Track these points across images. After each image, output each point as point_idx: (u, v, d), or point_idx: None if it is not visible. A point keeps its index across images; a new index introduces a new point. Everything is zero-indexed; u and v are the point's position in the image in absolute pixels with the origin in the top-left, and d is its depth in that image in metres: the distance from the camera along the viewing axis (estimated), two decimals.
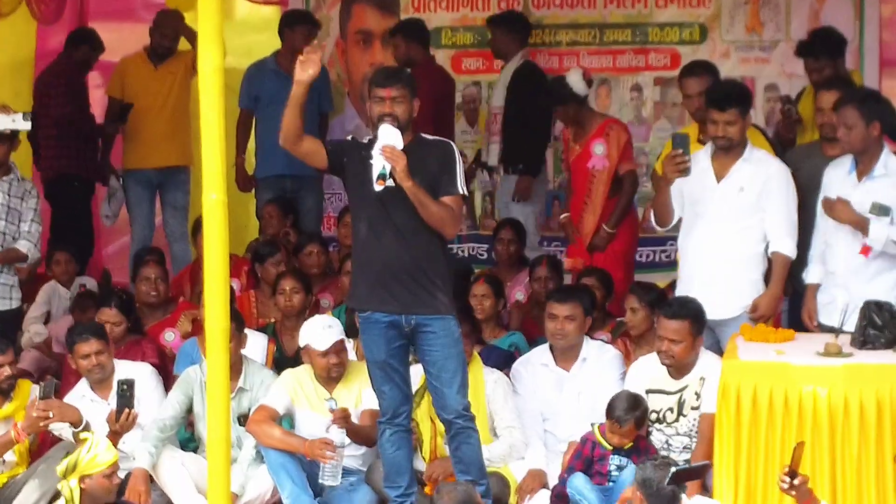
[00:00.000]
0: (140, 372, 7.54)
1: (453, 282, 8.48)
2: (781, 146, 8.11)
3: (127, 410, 7.14)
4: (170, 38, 10.23)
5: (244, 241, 10.31)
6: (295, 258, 9.25)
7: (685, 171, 7.11)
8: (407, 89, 6.57)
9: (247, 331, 8.03)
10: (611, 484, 6.83)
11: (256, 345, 8.02)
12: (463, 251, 10.49)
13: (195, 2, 5.95)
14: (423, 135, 6.74)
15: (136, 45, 10.47)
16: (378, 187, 6.39)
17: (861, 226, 6.96)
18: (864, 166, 7.08)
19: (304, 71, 6.42)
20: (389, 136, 6.42)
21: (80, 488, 6.22)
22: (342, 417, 6.96)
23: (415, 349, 6.65)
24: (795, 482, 5.64)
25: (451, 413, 6.58)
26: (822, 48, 8.41)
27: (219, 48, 5.86)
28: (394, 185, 6.39)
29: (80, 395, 7.51)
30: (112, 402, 7.37)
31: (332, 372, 7.22)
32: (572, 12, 10.29)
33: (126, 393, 7.16)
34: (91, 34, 10.51)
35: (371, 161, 6.40)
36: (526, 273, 9.12)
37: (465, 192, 6.69)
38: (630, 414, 6.83)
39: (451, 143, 6.78)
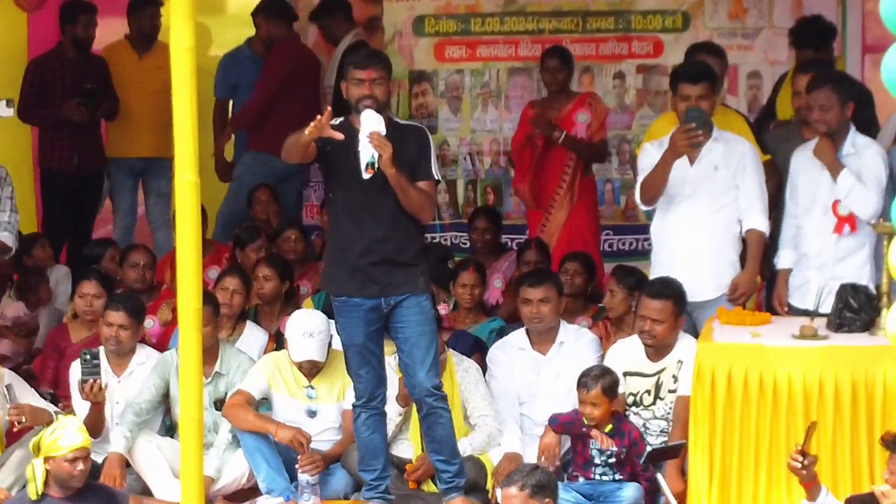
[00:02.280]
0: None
1: (435, 267, 8.56)
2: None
3: (91, 380, 7.13)
4: (148, 21, 10.18)
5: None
6: (273, 244, 9.25)
7: (699, 145, 7.10)
8: (385, 71, 6.56)
9: (248, 323, 8.04)
10: (595, 478, 6.81)
11: (256, 339, 8.02)
12: (445, 239, 10.46)
13: None
14: (396, 119, 6.74)
15: (118, 31, 10.43)
16: (367, 175, 6.37)
17: (836, 168, 6.98)
18: (832, 147, 7.10)
19: (315, 132, 6.33)
20: (373, 122, 6.37)
21: (46, 469, 6.17)
22: (311, 464, 6.90)
23: (387, 328, 6.63)
24: (805, 462, 5.66)
25: (422, 392, 6.56)
26: (812, 37, 8.46)
27: (190, 29, 5.85)
28: (378, 171, 6.38)
29: None
30: (123, 379, 7.46)
31: (303, 369, 7.24)
32: (556, 0, 10.28)
33: (91, 363, 7.16)
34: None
35: (358, 149, 6.35)
36: (504, 259, 9.12)
37: (439, 178, 6.69)
38: (595, 379, 6.76)
39: (424, 128, 6.79)
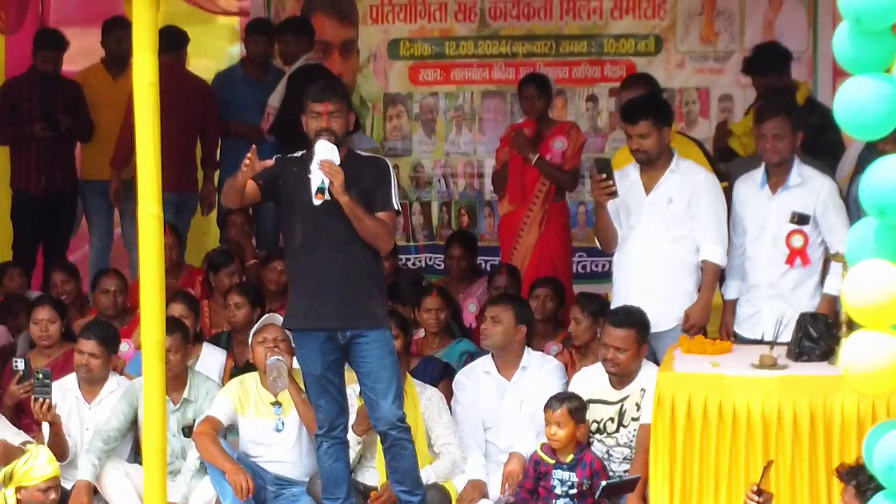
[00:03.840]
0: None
1: (408, 290, 8.60)
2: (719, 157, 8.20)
3: (42, 399, 7.15)
4: (116, 43, 10.25)
5: (204, 248, 10.38)
6: (254, 270, 9.29)
7: (612, 195, 7.21)
8: (343, 103, 6.60)
9: (204, 345, 8.09)
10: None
11: (215, 359, 8.07)
12: (420, 261, 10.55)
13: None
14: (357, 151, 6.82)
15: (99, 50, 10.49)
16: (317, 201, 6.41)
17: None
18: (777, 178, 7.22)
19: (249, 172, 6.42)
20: (327, 152, 6.43)
21: (17, 499, 6.23)
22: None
23: (349, 361, 6.67)
24: (761, 500, 5.70)
25: (386, 424, 6.59)
26: (767, 64, 8.50)
27: (153, 63, 5.95)
28: (330, 198, 6.43)
29: (65, 389, 7.59)
30: (94, 406, 7.51)
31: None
32: (528, 23, 10.36)
33: (42, 381, 7.18)
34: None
35: (309, 176, 6.42)
36: (479, 284, 9.18)
37: (399, 208, 6.72)
38: (561, 401, 6.84)
39: (385, 159, 6.84)
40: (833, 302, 7.15)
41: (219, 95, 10.26)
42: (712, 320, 7.54)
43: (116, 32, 10.24)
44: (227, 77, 10.40)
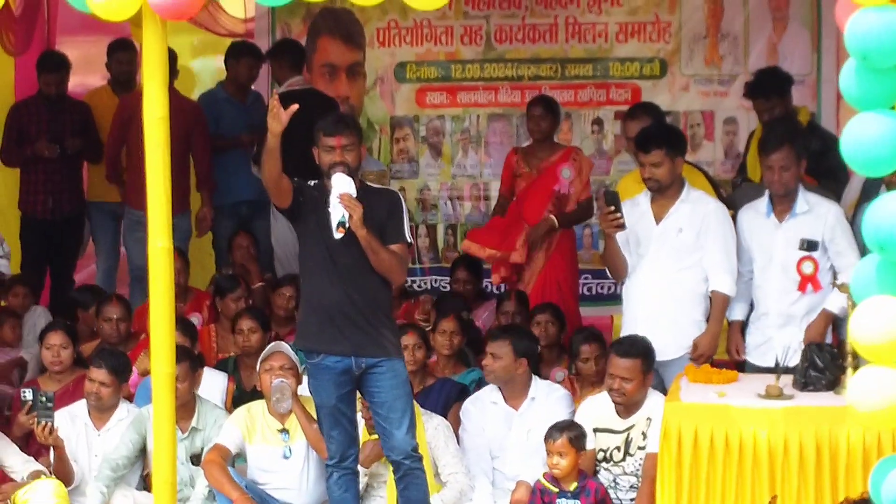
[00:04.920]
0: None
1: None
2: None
3: (44, 423, 7.18)
4: (116, 65, 10.31)
5: (208, 270, 10.41)
6: (263, 293, 9.33)
7: (620, 227, 7.27)
8: (355, 136, 6.64)
9: (205, 370, 8.12)
10: None
11: (215, 383, 8.10)
12: (426, 283, 10.58)
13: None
14: (368, 183, 6.85)
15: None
16: (338, 235, 6.47)
17: None
18: (783, 206, 7.27)
19: (277, 123, 6.39)
20: (344, 185, 6.48)
21: None
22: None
23: (362, 392, 6.72)
24: None
25: (399, 454, 6.63)
26: (769, 88, 8.54)
27: (164, 98, 6.00)
28: (349, 231, 6.47)
29: (74, 415, 7.62)
30: (104, 433, 7.54)
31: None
32: (534, 47, 10.40)
33: (45, 405, 7.20)
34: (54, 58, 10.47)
35: (328, 209, 6.45)
36: (485, 308, 9.21)
37: (411, 241, 6.78)
38: (561, 430, 6.88)
39: (397, 192, 6.89)
40: (830, 318, 7.22)
41: (206, 112, 10.27)
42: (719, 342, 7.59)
43: (120, 55, 10.31)
44: (210, 98, 10.45)
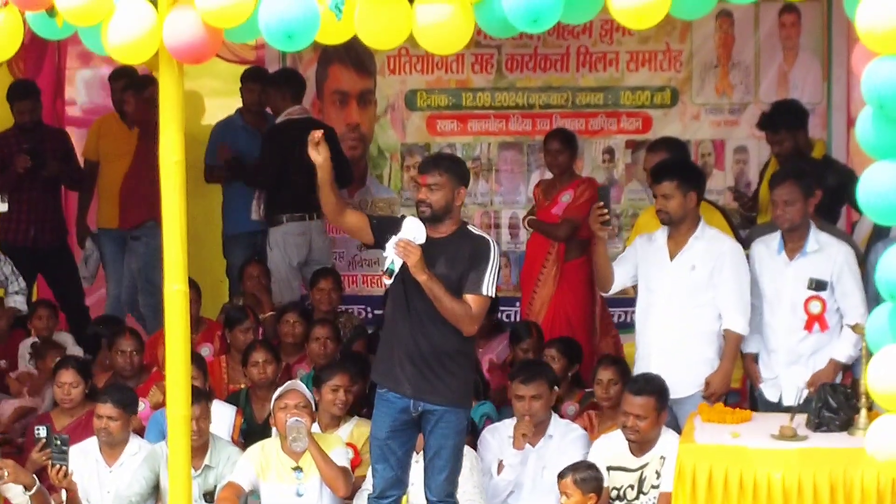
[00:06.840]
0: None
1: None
2: (744, 223, 8.24)
3: (59, 466, 7.18)
4: (118, 95, 10.34)
5: (220, 296, 10.42)
6: (269, 324, 9.33)
7: (605, 223, 7.26)
8: (447, 176, 6.54)
9: (214, 402, 8.12)
10: None
11: (223, 417, 8.09)
12: None
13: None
14: (469, 227, 6.73)
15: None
16: (386, 281, 6.50)
17: None
18: (794, 244, 7.30)
19: (319, 154, 6.40)
20: (411, 230, 6.47)
21: None
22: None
23: (421, 429, 6.72)
24: None
25: (435, 495, 6.71)
26: (783, 121, 8.56)
27: (180, 142, 6.00)
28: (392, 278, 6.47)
29: (86, 452, 7.62)
30: (115, 469, 7.55)
31: None
32: (545, 75, 10.40)
33: (60, 448, 7.20)
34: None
35: (384, 254, 6.47)
36: (499, 340, 9.21)
37: (491, 294, 6.62)
38: (570, 470, 6.91)
39: (490, 240, 6.68)
40: (838, 368, 7.23)
41: (222, 141, 10.32)
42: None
43: (116, 84, 10.32)
44: (228, 126, 10.47)
